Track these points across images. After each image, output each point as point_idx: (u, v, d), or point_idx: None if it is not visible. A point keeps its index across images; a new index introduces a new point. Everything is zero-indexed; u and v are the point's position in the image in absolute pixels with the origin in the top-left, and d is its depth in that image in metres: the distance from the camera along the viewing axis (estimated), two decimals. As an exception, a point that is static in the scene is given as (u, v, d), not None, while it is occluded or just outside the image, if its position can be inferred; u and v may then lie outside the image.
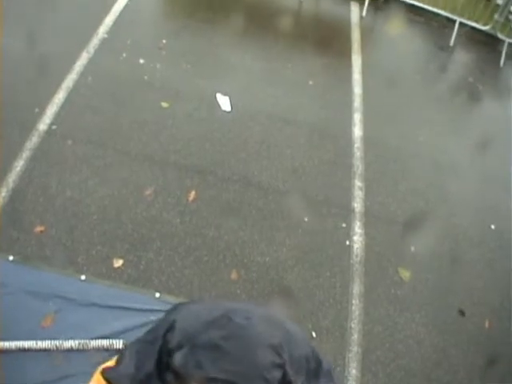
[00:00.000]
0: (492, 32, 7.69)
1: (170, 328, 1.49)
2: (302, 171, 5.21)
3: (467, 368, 4.25)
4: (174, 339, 1.44)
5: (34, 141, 4.73)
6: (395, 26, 7.73)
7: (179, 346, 1.40)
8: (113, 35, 6.00)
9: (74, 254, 4.08)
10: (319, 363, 1.55)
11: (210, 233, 4.50)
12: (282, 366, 1.37)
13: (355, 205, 5.06)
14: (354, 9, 7.69)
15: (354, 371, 3.98)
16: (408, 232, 4.91)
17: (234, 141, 5.28)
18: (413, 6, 7.73)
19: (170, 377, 1.41)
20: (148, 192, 4.64)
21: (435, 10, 7.70)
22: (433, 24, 7.91)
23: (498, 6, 7.79)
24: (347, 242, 4.75)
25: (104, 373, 1.61)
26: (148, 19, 6.67)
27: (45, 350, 2.32)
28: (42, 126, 4.87)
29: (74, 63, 5.52)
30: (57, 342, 2.33)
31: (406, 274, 4.66)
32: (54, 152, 4.73)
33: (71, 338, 2.35)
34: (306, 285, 4.39)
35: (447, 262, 4.88)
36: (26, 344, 2.30)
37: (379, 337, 4.24)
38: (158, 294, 2.66)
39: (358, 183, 5.24)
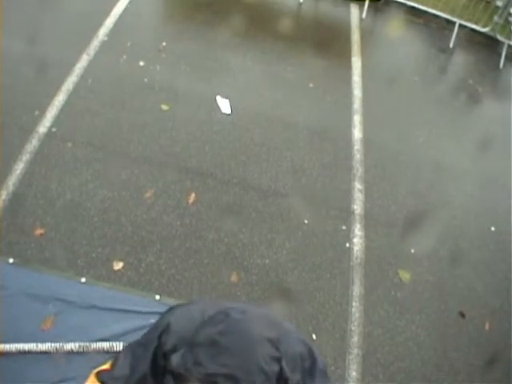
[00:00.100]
0: (491, 34, 7.70)
1: (165, 330, 1.50)
2: (302, 173, 5.21)
3: (467, 370, 4.24)
4: (169, 341, 1.46)
5: (33, 143, 4.74)
6: (395, 27, 7.74)
7: (175, 349, 1.41)
8: (113, 38, 6.01)
9: (74, 257, 4.08)
10: (314, 362, 1.56)
11: (210, 235, 4.50)
12: (279, 360, 1.38)
13: (355, 207, 5.06)
14: (354, 11, 7.70)
15: (354, 373, 3.98)
16: (408, 234, 4.90)
17: (233, 143, 5.28)
18: (412, 7, 7.74)
19: (169, 380, 1.41)
20: (148, 194, 4.64)
21: (435, 11, 7.71)
22: (432, 26, 7.91)
23: (497, 7, 7.80)
24: (347, 245, 4.75)
25: (99, 375, 1.63)
26: (148, 22, 6.67)
27: (45, 353, 2.32)
28: (42, 128, 4.87)
29: (74, 65, 5.53)
30: (57, 345, 2.33)
31: (406, 276, 4.66)
32: (53, 155, 4.73)
33: (71, 341, 2.35)
34: (305, 287, 4.39)
35: (447, 264, 4.88)
36: (26, 346, 2.30)
37: (379, 339, 4.24)
38: (158, 297, 2.66)
39: (357, 185, 5.25)
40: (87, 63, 5.60)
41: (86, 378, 1.70)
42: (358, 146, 5.64)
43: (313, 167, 5.29)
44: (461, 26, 7.63)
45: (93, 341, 2.37)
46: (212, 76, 5.95)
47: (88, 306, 2.50)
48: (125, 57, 5.81)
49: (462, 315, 4.56)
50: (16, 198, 4.34)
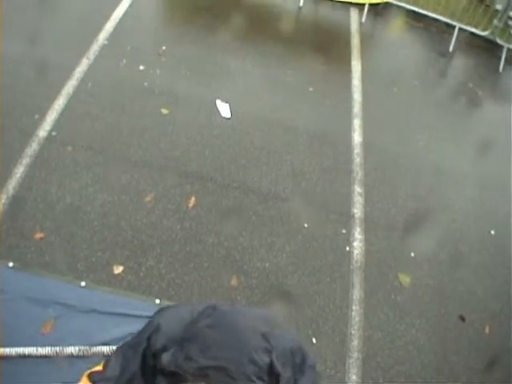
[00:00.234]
0: (491, 37, 7.71)
1: (155, 331, 1.51)
2: (302, 177, 5.22)
3: (468, 374, 4.24)
4: (159, 342, 1.47)
5: (34, 147, 4.74)
6: (394, 31, 7.75)
7: (164, 348, 1.42)
8: (113, 42, 6.02)
9: (74, 261, 4.08)
10: (304, 357, 1.57)
11: (210, 239, 4.50)
12: (269, 352, 1.38)
13: (355, 211, 5.06)
14: (354, 15, 7.71)
15: (354, 377, 3.98)
16: (408, 238, 4.91)
17: (233, 147, 5.29)
18: (412, 11, 7.76)
19: (160, 380, 1.42)
20: (148, 198, 4.64)
21: (435, 15, 7.72)
22: (432, 29, 7.93)
23: (497, 11, 7.81)
24: (347, 248, 4.75)
25: (91, 376, 1.64)
26: (148, 26, 6.68)
27: (45, 357, 2.32)
28: (42, 132, 4.87)
29: (74, 69, 5.54)
30: (57, 349, 2.33)
31: (406, 280, 4.66)
32: (53, 158, 4.73)
33: (71, 345, 2.35)
34: (305, 291, 4.38)
35: (447, 268, 4.88)
36: (27, 350, 2.30)
37: (379, 343, 4.23)
38: (158, 301, 2.66)
39: (357, 189, 5.25)
40: (87, 67, 5.61)
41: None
42: (357, 150, 5.64)
43: (313, 171, 5.29)
44: (460, 29, 7.65)
45: (93, 345, 2.37)
46: (212, 80, 5.96)
47: (88, 310, 2.50)
48: (125, 61, 5.82)
49: (462, 319, 4.56)
50: (16, 202, 4.34)
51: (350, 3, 7.65)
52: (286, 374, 1.43)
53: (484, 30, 7.66)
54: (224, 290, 4.21)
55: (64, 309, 2.48)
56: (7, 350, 2.28)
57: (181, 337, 1.38)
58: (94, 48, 5.86)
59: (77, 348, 2.34)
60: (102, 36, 6.04)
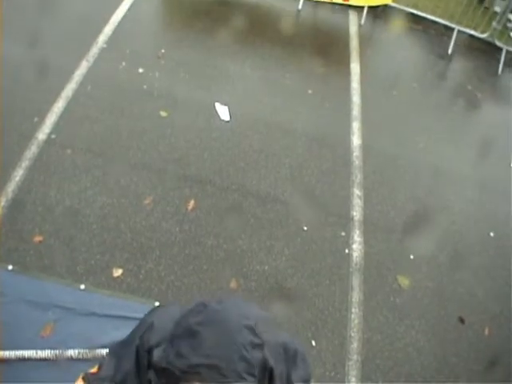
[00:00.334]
0: (490, 40, 7.72)
1: (147, 329, 1.52)
2: (301, 180, 5.22)
3: (467, 375, 4.24)
4: (153, 339, 1.48)
5: (33, 150, 4.74)
6: (393, 34, 7.76)
7: (157, 345, 1.43)
8: (112, 45, 6.03)
9: (74, 264, 4.08)
10: (296, 350, 1.58)
11: (209, 242, 4.50)
12: (260, 347, 1.38)
13: (354, 213, 5.06)
14: (353, 17, 7.73)
15: (353, 379, 3.98)
16: (407, 240, 4.91)
17: (232, 150, 5.29)
18: (411, 14, 7.78)
19: (152, 375, 1.43)
20: (147, 201, 4.64)
21: (433, 18, 7.74)
22: (431, 32, 7.94)
23: (496, 13, 7.84)
24: (346, 251, 4.75)
25: (86, 377, 1.65)
26: (147, 29, 6.69)
27: (44, 360, 2.32)
28: (41, 135, 4.88)
29: (74, 72, 5.54)
30: (57, 352, 2.33)
31: (405, 282, 4.66)
32: (53, 161, 4.73)
33: (71, 348, 2.35)
34: (305, 293, 4.38)
35: (447, 270, 4.88)
36: (26, 353, 2.31)
37: (379, 345, 4.23)
38: (157, 303, 2.67)
39: (356, 192, 5.25)
40: (86, 70, 5.62)
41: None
42: (356, 153, 5.64)
43: (311, 174, 5.30)
44: (459, 32, 7.66)
45: (92, 348, 2.37)
46: (211, 83, 5.96)
47: (87, 312, 2.51)
48: (124, 64, 5.83)
49: (462, 321, 4.56)
50: (15, 205, 4.34)
51: (349, 6, 7.66)
52: (278, 368, 1.44)
53: (483, 32, 7.67)
54: (223, 292, 4.21)
55: (63, 312, 2.48)
56: (7, 353, 2.29)
57: (171, 333, 1.38)
58: (94, 51, 5.87)
59: (76, 351, 2.35)
60: (102, 39, 6.05)
